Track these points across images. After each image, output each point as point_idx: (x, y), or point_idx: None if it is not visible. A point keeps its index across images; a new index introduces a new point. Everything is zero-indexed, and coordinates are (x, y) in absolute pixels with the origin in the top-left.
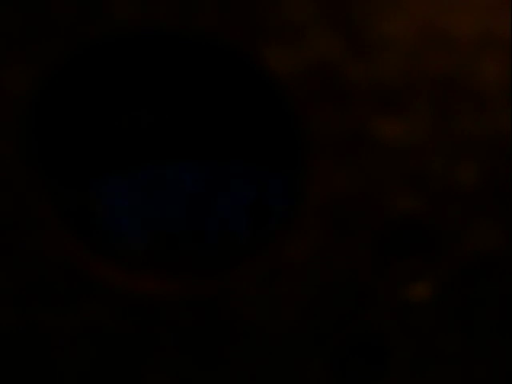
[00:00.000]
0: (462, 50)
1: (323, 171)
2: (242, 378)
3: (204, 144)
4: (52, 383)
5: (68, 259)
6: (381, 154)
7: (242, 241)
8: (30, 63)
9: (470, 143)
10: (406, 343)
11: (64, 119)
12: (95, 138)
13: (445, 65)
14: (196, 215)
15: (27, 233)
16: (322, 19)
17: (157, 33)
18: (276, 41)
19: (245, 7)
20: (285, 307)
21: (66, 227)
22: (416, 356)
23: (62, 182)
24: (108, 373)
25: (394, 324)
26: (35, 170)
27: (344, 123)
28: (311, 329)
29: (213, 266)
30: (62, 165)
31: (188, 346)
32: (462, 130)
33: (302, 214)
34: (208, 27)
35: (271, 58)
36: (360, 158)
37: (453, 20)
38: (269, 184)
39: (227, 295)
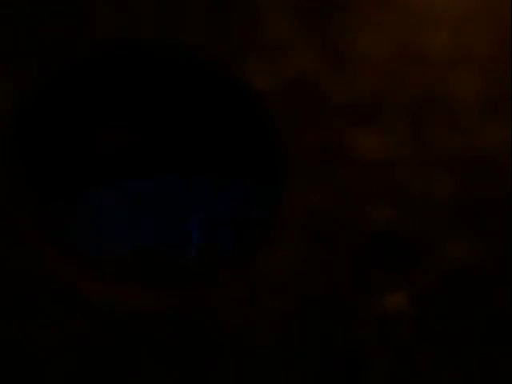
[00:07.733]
0: (436, 66)
1: (302, 184)
2: None
3: (188, 158)
4: None
5: (52, 272)
6: (358, 167)
7: (225, 254)
8: (17, 77)
9: (445, 157)
10: (385, 354)
11: (50, 132)
12: (81, 151)
13: (420, 81)
14: (179, 229)
15: (12, 247)
16: (302, 37)
17: (141, 49)
18: (256, 57)
19: (226, 25)
20: (265, 319)
21: (51, 241)
22: (394, 366)
23: (48, 195)
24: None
25: (372, 335)
26: (21, 184)
27: (322, 137)
28: (291, 340)
29: (195, 279)
30: (48, 178)
31: (170, 357)
32: (437, 144)
33: (281, 227)
34: (190, 44)
35: (251, 73)
36: (338, 172)
37: (428, 38)
38: (254, 197)
39: (208, 307)
